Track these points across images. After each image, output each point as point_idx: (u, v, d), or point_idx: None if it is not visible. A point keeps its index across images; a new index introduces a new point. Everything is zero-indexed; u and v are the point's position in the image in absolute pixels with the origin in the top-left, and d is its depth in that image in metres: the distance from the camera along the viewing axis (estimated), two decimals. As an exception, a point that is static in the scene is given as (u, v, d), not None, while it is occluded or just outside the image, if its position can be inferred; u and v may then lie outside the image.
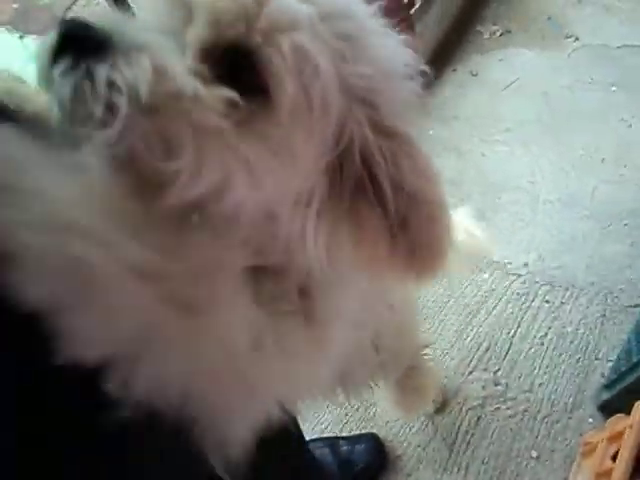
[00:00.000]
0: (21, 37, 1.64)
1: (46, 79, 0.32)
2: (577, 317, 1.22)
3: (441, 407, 1.15)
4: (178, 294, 0.30)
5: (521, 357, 1.19)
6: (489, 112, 1.60)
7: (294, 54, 0.36)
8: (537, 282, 1.28)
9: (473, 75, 1.67)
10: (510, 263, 1.32)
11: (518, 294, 1.27)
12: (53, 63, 0.32)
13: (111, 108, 0.31)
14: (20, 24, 1.70)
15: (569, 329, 1.21)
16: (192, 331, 0.31)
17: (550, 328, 1.21)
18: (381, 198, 0.41)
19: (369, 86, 0.39)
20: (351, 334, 0.50)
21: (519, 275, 1.30)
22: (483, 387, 1.17)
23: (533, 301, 1.26)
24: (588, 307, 1.22)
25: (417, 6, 1.55)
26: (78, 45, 0.31)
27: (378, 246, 0.41)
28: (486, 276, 1.31)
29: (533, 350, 1.19)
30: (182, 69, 0.33)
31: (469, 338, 1.23)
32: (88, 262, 0.27)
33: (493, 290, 1.29)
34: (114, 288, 0.27)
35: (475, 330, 1.24)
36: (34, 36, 1.64)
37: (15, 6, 1.80)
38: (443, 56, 1.70)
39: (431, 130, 1.58)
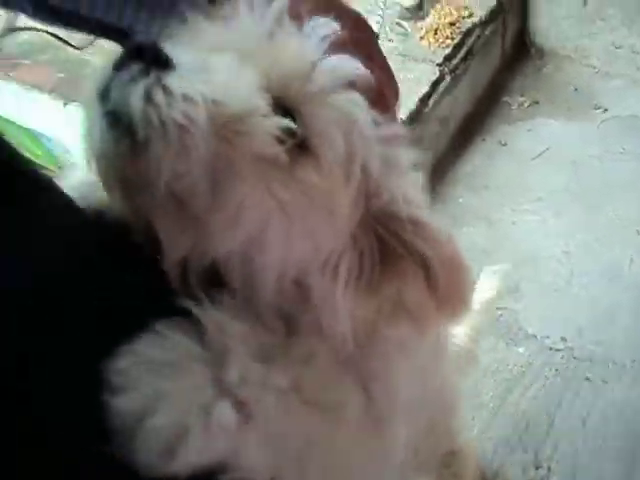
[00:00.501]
0: (65, 104, 1.72)
1: (104, 91, 0.32)
2: (620, 397, 1.17)
3: (479, 490, 1.10)
4: (315, 399, 0.32)
5: (563, 438, 1.14)
6: (519, 181, 1.60)
7: (342, 116, 0.37)
8: (576, 358, 1.24)
9: (502, 145, 1.69)
10: (547, 337, 1.29)
11: (557, 370, 1.23)
12: (118, 70, 0.31)
13: (181, 124, 0.30)
14: (64, 92, 1.79)
15: (612, 410, 1.16)
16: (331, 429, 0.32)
17: (593, 408, 1.16)
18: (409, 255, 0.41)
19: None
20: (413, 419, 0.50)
21: (557, 350, 1.26)
22: (523, 470, 1.11)
23: (573, 378, 1.21)
24: (631, 387, 1.18)
25: (447, 80, 1.60)
26: (146, 56, 0.31)
27: (418, 301, 0.41)
28: (521, 350, 1.28)
29: (576, 431, 1.14)
30: (252, 90, 0.33)
31: (505, 417, 1.19)
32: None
33: (530, 365, 1.25)
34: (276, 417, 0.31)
35: (512, 409, 1.20)
36: (78, 104, 1.72)
37: (60, 75, 1.90)
38: (472, 126, 1.72)
39: (461, 198, 1.58)
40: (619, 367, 1.20)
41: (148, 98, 0.31)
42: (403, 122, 1.46)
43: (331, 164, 0.36)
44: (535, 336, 1.29)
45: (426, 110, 1.53)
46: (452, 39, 1.67)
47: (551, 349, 1.27)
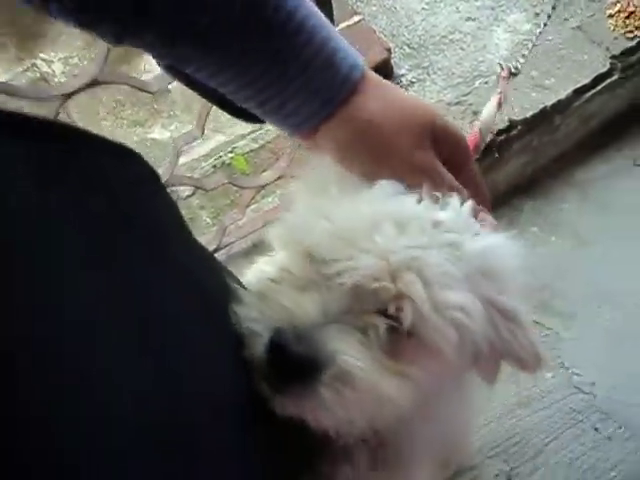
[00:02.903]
0: None
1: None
2: (616, 457, 1.21)
3: (450, 477, 1.22)
4: None
5: (544, 468, 1.22)
6: (634, 210, 1.50)
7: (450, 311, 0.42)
8: (594, 406, 1.27)
9: (636, 165, 1.55)
10: (578, 375, 1.31)
11: (571, 408, 1.27)
12: (278, 381, 0.40)
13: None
14: None
15: (602, 465, 1.21)
16: None
17: (584, 455, 1.22)
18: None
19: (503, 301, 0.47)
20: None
21: (582, 391, 1.29)
22: (496, 476, 1.22)
23: (582, 422, 1.26)
24: (631, 454, 1.21)
25: (614, 78, 1.43)
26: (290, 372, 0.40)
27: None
28: (549, 376, 1.31)
29: (558, 466, 1.21)
30: (373, 368, 0.40)
31: (505, 425, 1.26)
32: None
33: (549, 392, 1.29)
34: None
35: (514, 421, 1.27)
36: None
37: None
38: (613, 133, 1.58)
39: (565, 204, 1.51)
40: (630, 433, 1.23)
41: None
42: (545, 110, 1.36)
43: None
44: (567, 369, 1.31)
45: (575, 105, 1.40)
46: (643, 31, 1.46)
47: (576, 387, 1.29)
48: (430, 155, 0.47)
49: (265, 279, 0.46)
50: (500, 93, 0.68)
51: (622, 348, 1.33)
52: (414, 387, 0.43)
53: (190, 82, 0.46)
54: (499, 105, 0.68)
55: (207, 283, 0.43)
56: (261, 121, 0.48)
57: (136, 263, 0.33)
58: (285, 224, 0.49)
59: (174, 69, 0.45)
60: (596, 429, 1.25)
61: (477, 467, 1.22)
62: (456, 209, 0.45)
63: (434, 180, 0.45)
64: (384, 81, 0.47)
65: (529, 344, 0.48)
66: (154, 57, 0.43)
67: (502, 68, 0.71)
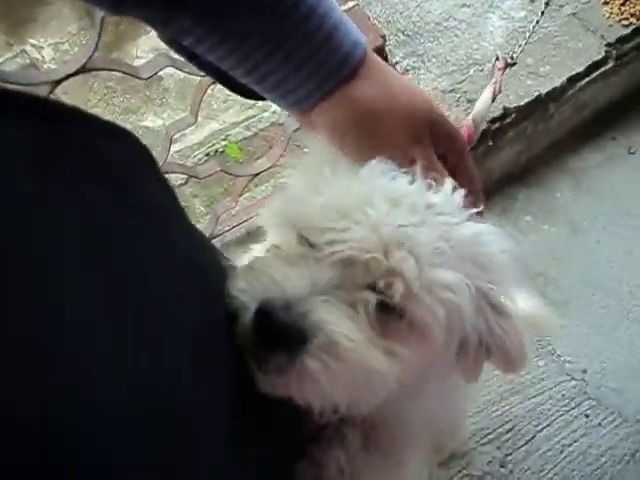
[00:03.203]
0: None
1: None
2: (607, 444, 1.23)
3: (443, 462, 1.23)
4: None
5: (536, 454, 1.23)
6: (627, 200, 1.50)
7: (438, 289, 0.42)
8: (586, 393, 1.28)
9: (630, 153, 1.55)
10: (570, 362, 1.32)
11: (563, 395, 1.28)
12: (263, 350, 0.39)
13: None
14: None
15: (593, 451, 1.22)
16: None
17: (576, 442, 1.24)
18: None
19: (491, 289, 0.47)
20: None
21: (573, 378, 1.30)
22: (489, 462, 1.23)
23: (574, 409, 1.27)
24: (622, 440, 1.23)
25: (609, 66, 1.43)
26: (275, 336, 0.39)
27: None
28: (541, 364, 1.32)
29: (550, 453, 1.23)
30: (360, 339, 0.38)
31: (498, 412, 1.27)
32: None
33: (541, 380, 1.30)
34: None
35: (507, 408, 1.28)
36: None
37: None
38: (607, 121, 1.58)
39: (559, 193, 1.51)
40: (621, 419, 1.25)
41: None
42: (539, 98, 1.35)
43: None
44: (560, 357, 1.32)
45: (569, 93, 1.40)
46: (639, 19, 1.45)
47: (568, 375, 1.30)
48: (428, 151, 0.46)
49: (255, 256, 0.46)
50: (495, 83, 0.68)
51: (614, 336, 1.35)
52: (401, 367, 0.42)
53: (190, 56, 0.45)
54: (494, 96, 0.67)
55: (208, 271, 0.42)
56: (261, 98, 0.47)
57: (132, 255, 0.32)
58: (278, 201, 0.49)
59: (175, 43, 0.44)
60: (587, 416, 1.26)
61: (470, 453, 1.23)
62: (448, 194, 0.45)
63: (429, 175, 0.45)
64: (386, 66, 0.47)
65: (518, 342, 0.48)
66: (155, 29, 0.43)
67: (498, 58, 0.70)
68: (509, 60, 0.70)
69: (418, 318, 0.41)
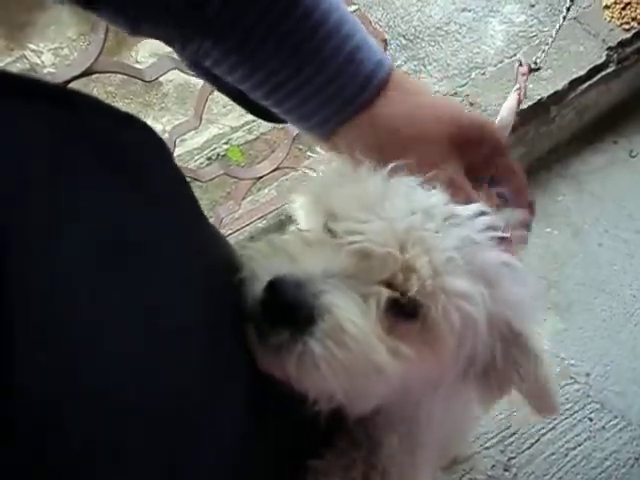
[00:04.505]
0: None
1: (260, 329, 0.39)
2: (611, 448, 1.22)
3: (447, 466, 1.22)
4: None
5: (540, 457, 1.22)
6: (629, 204, 1.51)
7: (452, 298, 0.41)
8: (589, 396, 1.28)
9: (631, 156, 1.56)
10: (573, 365, 1.32)
11: (566, 399, 1.28)
12: (268, 325, 0.38)
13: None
14: None
15: (597, 455, 1.22)
16: None
17: (580, 445, 1.23)
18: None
19: (509, 316, 0.45)
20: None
21: (577, 381, 1.30)
22: (492, 466, 1.22)
23: (577, 412, 1.26)
24: (626, 443, 1.22)
25: (610, 69, 1.43)
26: (282, 312, 0.38)
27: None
28: (544, 367, 1.32)
29: (554, 457, 1.22)
30: (368, 331, 0.38)
31: (501, 416, 1.27)
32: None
33: (545, 383, 1.30)
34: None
35: (510, 412, 1.27)
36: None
37: None
38: (609, 124, 1.58)
39: (561, 196, 1.52)
40: (624, 423, 1.24)
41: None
42: (541, 102, 1.36)
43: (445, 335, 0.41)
44: (563, 359, 1.32)
45: (570, 96, 1.40)
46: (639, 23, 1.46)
47: (571, 378, 1.30)
48: (454, 170, 0.45)
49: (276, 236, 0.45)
50: (519, 89, 0.66)
51: (617, 339, 1.34)
52: (404, 368, 0.41)
53: (214, 79, 0.45)
54: (518, 103, 0.65)
55: (222, 259, 0.42)
56: (282, 120, 0.46)
57: (148, 239, 0.32)
58: (311, 187, 0.49)
59: (197, 67, 0.44)
60: (591, 419, 1.26)
61: (474, 457, 1.23)
62: (472, 211, 0.43)
63: (456, 195, 0.44)
64: (414, 83, 0.45)
65: (541, 382, 0.46)
66: (175, 50, 0.43)
67: (521, 64, 0.68)
68: (532, 65, 0.68)
69: (432, 319, 0.40)
